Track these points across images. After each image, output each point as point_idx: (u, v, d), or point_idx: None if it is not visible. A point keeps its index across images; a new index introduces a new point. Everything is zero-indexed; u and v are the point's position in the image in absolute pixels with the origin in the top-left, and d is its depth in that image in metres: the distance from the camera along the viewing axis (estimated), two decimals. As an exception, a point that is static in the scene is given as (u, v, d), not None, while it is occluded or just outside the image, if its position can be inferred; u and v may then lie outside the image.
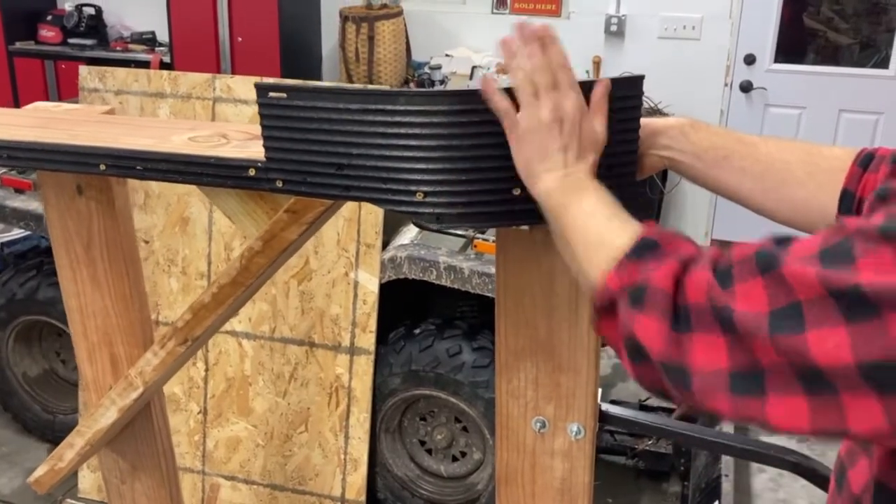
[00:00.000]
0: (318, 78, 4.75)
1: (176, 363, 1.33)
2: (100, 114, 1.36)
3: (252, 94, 1.57)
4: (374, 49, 4.41)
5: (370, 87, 3.14)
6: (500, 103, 0.95)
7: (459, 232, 2.64)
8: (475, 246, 2.59)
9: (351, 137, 1.00)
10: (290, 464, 2.79)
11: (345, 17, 4.50)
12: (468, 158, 0.98)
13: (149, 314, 1.46)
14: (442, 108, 0.97)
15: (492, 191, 0.99)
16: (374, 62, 4.41)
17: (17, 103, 4.80)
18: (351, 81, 4.46)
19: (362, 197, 1.03)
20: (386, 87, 2.14)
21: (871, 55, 4.59)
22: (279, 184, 1.06)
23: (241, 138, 1.16)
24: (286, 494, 2.81)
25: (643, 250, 0.79)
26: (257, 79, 2.81)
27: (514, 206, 0.99)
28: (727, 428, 2.80)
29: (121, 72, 2.85)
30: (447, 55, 4.68)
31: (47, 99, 5.00)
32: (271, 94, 1.03)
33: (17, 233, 3.54)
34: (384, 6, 4.71)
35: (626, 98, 1.00)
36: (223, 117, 2.73)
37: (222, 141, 1.14)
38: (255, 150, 1.07)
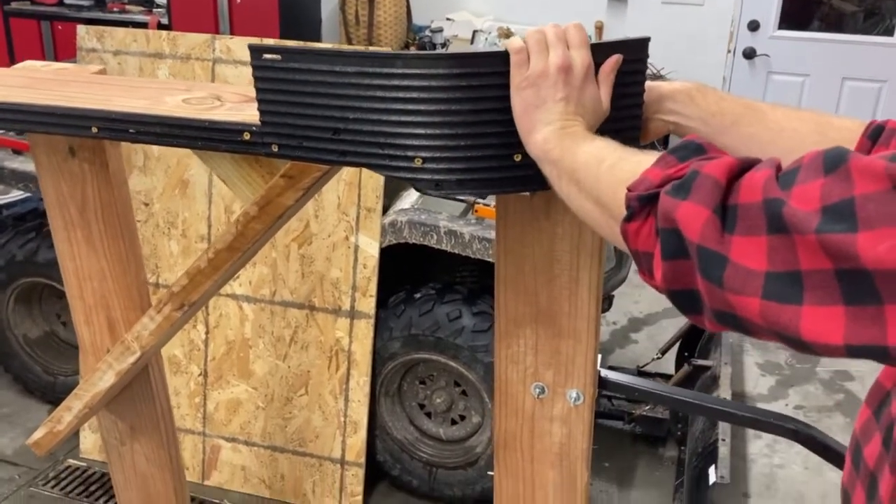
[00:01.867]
0: (318, 40, 4.69)
1: (173, 328, 1.33)
2: (91, 74, 1.33)
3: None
4: (375, 12, 4.36)
5: (368, 49, 3.09)
6: (514, 43, 0.93)
7: (460, 197, 2.62)
8: (476, 211, 2.58)
9: (348, 101, 0.98)
10: (290, 426, 2.80)
11: (345, -22, 4.45)
12: (468, 123, 0.96)
13: (145, 277, 1.45)
14: (441, 72, 0.95)
15: (492, 157, 0.98)
16: (375, 25, 4.36)
17: (13, 64, 4.74)
18: (350, 44, 4.41)
19: (359, 162, 1.01)
20: (384, 50, 2.09)
21: (875, 23, 4.53)
22: (274, 148, 1.05)
23: (236, 100, 1.14)
24: (286, 456, 2.83)
25: (689, 151, 0.75)
26: (258, 40, 2.78)
27: (515, 172, 0.98)
28: (725, 394, 2.81)
29: (119, 32, 2.81)
30: (448, 19, 4.63)
31: (44, 60, 4.94)
32: (265, 55, 1.01)
33: (16, 194, 3.52)
34: (385, -33, 4.65)
35: (631, 61, 0.98)
36: (223, 78, 2.71)
37: (216, 103, 1.12)
38: (250, 114, 1.06)
